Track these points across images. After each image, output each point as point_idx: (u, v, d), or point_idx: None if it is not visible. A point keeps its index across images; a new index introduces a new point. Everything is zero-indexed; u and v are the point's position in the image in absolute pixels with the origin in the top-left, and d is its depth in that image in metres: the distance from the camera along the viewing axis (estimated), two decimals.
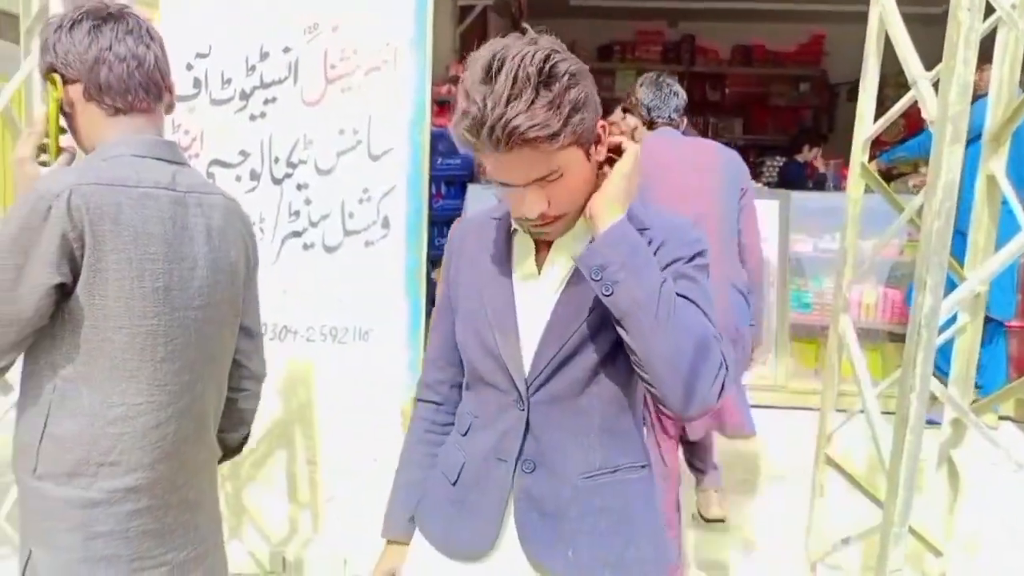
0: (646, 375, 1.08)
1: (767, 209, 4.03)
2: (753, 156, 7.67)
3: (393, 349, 2.88)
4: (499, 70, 1.02)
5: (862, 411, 2.12)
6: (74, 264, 1.25)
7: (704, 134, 8.17)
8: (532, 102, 1.02)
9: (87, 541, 1.30)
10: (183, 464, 1.41)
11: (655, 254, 1.13)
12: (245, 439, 1.64)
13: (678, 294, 1.09)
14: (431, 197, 3.62)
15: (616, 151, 1.18)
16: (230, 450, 1.62)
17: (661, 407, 1.24)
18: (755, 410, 3.91)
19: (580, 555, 1.18)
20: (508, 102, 1.01)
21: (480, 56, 1.06)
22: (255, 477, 2.93)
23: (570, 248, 1.19)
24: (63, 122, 1.41)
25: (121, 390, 1.31)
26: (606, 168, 1.18)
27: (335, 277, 2.96)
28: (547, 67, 1.03)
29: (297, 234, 2.97)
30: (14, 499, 2.27)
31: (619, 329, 1.09)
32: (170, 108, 1.47)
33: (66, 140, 1.43)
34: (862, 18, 2.26)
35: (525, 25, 1.15)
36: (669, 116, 2.81)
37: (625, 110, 3.09)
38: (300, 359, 3.04)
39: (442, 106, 5.09)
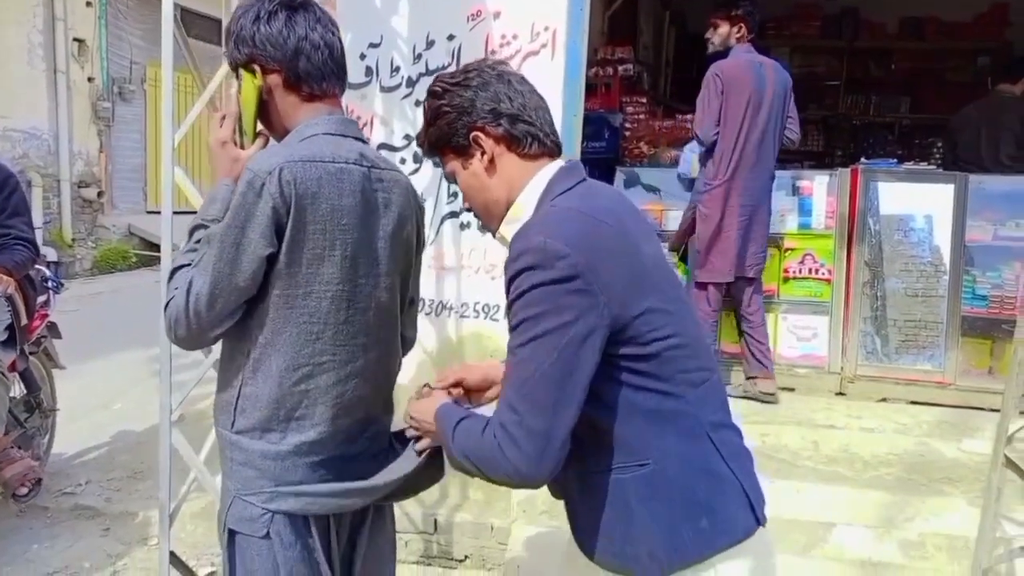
0: None
1: (940, 193, 3.75)
2: (921, 136, 7.12)
3: None
4: None
5: None
6: (281, 235, 1.35)
7: (866, 112, 7.69)
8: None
9: (280, 488, 1.43)
10: (359, 421, 1.53)
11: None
12: None
13: None
14: None
15: None
16: None
17: None
18: (920, 407, 3.71)
19: (589, 544, 1.30)
20: None
21: None
22: None
23: None
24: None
25: (308, 352, 1.43)
26: None
27: (489, 256, 3.07)
28: (430, 88, 1.37)
29: (455, 214, 3.11)
30: (212, 443, 2.55)
31: None
32: (343, 89, 1.56)
33: (259, 125, 1.54)
34: None
35: None
36: None
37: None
38: (454, 334, 3.19)
39: (589, 89, 5.10)
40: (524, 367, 1.16)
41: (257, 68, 1.47)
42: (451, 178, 1.40)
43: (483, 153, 1.32)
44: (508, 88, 1.32)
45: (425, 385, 1.50)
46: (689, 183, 4.02)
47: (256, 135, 1.53)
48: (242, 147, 1.51)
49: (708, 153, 3.66)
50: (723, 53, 3.72)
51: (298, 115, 1.49)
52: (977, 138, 4.38)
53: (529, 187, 1.32)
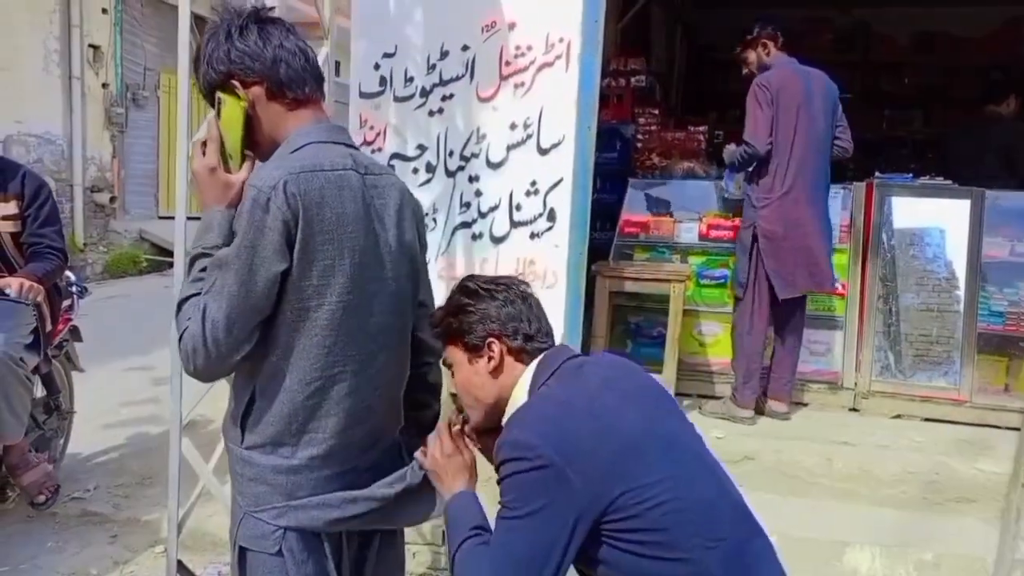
0: None
1: (957, 208, 3.72)
2: (934, 151, 7.09)
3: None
4: None
5: None
6: (292, 249, 1.34)
7: (879, 126, 7.65)
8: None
9: (292, 502, 1.42)
10: (369, 430, 1.51)
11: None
12: (437, 416, 1.71)
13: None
14: None
15: None
16: (423, 428, 1.66)
17: None
18: (935, 424, 3.66)
19: None
20: None
21: None
22: None
23: None
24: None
25: (321, 364, 1.41)
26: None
27: (501, 267, 3.05)
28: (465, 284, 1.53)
29: (467, 224, 3.10)
30: (221, 450, 2.53)
31: None
32: (323, 95, 1.53)
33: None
34: None
35: None
36: None
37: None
38: None
39: (601, 101, 5.08)
40: (499, 549, 1.29)
41: (237, 84, 1.43)
42: (448, 365, 1.52)
43: (491, 359, 1.46)
44: (530, 311, 1.49)
45: (449, 422, 1.55)
46: (733, 202, 3.91)
47: (244, 158, 1.47)
48: (227, 172, 1.45)
49: (760, 167, 3.53)
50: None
51: (285, 125, 1.46)
52: (967, 153, 4.42)
53: (520, 384, 1.46)
